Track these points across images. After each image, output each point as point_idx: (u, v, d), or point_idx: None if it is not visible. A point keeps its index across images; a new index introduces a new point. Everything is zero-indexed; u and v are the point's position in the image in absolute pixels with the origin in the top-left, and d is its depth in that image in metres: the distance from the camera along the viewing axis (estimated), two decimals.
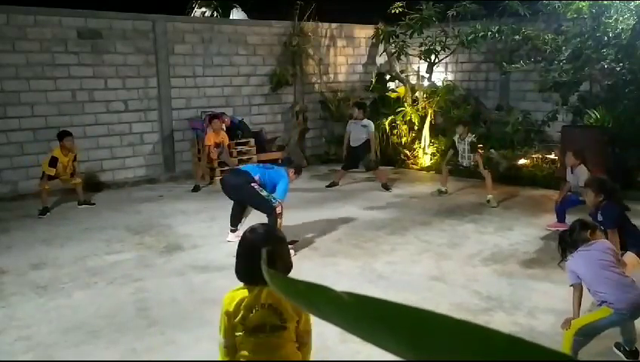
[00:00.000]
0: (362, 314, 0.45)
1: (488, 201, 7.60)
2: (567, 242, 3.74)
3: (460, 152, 8.03)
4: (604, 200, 4.56)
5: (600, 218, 4.51)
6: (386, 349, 0.46)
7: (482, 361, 0.42)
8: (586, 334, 3.42)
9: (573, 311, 3.62)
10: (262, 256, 0.56)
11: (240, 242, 2.40)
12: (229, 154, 9.24)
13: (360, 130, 8.67)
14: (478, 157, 7.84)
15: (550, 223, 6.53)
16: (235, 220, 6.15)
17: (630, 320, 3.48)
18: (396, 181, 9.35)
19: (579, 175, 6.22)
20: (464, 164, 8.05)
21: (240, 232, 6.17)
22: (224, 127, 9.20)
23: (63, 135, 7.58)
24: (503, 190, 8.31)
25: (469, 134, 7.91)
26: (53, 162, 7.43)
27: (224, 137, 9.02)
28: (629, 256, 4.33)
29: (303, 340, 2.36)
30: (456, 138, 8.08)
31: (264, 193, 5.63)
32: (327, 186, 8.97)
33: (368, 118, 8.91)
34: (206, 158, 8.97)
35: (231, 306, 2.29)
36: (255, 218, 6.07)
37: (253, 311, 2.27)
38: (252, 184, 5.63)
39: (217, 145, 8.94)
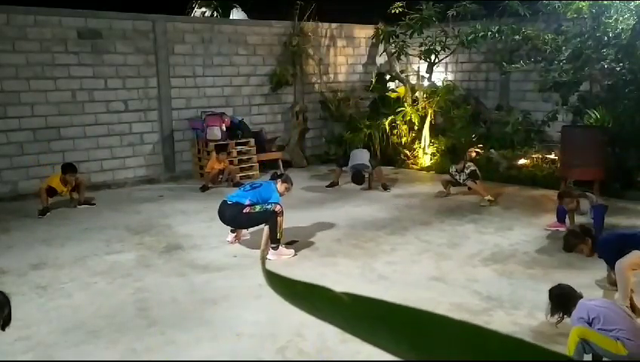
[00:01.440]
0: (361, 315, 0.45)
1: (488, 201, 7.60)
2: (562, 303, 3.61)
3: (456, 180, 8.00)
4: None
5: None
6: (385, 350, 0.46)
7: (481, 361, 0.42)
8: (589, 348, 3.31)
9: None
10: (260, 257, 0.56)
11: None
12: (235, 177, 9.22)
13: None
14: (475, 186, 7.75)
15: (550, 223, 6.53)
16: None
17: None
18: (396, 181, 9.35)
19: (585, 208, 6.04)
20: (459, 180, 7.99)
21: (241, 233, 6.20)
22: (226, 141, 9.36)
23: (66, 169, 7.60)
24: (503, 190, 8.31)
25: (468, 164, 7.87)
26: (52, 192, 7.47)
27: (226, 164, 9.10)
28: (636, 254, 4.30)
29: None
30: (452, 170, 8.03)
31: (257, 208, 5.62)
32: (327, 186, 8.96)
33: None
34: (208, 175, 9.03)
35: None
36: None
37: None
38: (244, 211, 5.63)
39: (221, 171, 9.10)
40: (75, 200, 7.83)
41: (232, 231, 6.16)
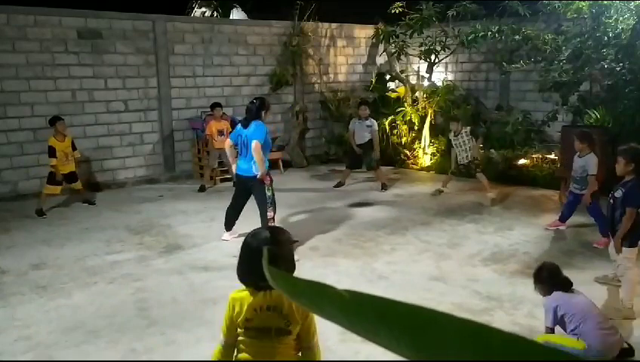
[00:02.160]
0: (363, 312, 0.44)
1: (490, 199, 7.62)
2: (544, 280, 3.67)
3: (457, 148, 7.99)
4: (633, 176, 4.30)
5: (619, 194, 4.30)
6: (386, 347, 0.46)
7: (483, 360, 0.41)
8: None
9: None
10: (263, 255, 0.56)
11: (242, 246, 2.40)
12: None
13: (364, 129, 8.65)
14: (476, 148, 7.85)
15: (550, 223, 6.53)
16: (230, 223, 6.22)
17: (600, 356, 3.46)
18: (396, 181, 9.35)
19: (589, 163, 5.85)
20: (463, 160, 7.96)
21: (234, 231, 6.23)
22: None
23: (54, 120, 7.59)
24: (503, 190, 8.31)
25: (464, 128, 7.92)
26: (52, 152, 7.44)
27: (226, 125, 8.90)
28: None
29: (309, 344, 2.33)
30: (451, 136, 8.07)
31: (269, 193, 5.69)
32: (334, 187, 8.94)
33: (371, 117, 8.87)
34: (209, 156, 8.94)
35: (236, 306, 2.30)
36: (244, 217, 6.08)
37: (258, 311, 2.27)
38: (265, 182, 5.68)
39: (220, 132, 8.80)
40: (77, 193, 7.91)
41: (228, 230, 6.20)
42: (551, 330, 3.59)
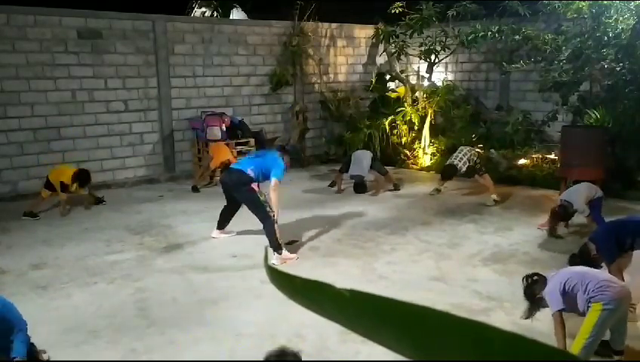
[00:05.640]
0: (363, 311, 0.44)
1: (494, 200, 7.61)
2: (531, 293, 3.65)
3: (455, 154, 7.96)
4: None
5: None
6: (386, 346, 0.46)
7: (483, 359, 0.41)
8: (594, 343, 3.38)
9: (559, 342, 3.48)
10: (264, 255, 0.56)
11: None
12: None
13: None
14: (485, 181, 7.83)
15: (542, 223, 6.51)
16: (222, 224, 6.25)
17: (619, 311, 3.44)
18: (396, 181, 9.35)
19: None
20: (461, 167, 7.84)
21: (225, 231, 6.24)
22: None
23: (85, 181, 7.46)
24: (503, 190, 8.31)
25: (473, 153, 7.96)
26: (63, 188, 7.34)
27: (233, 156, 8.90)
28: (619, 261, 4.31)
29: None
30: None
31: (262, 198, 5.61)
32: (329, 186, 8.94)
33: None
34: (210, 168, 8.93)
35: None
36: (244, 217, 6.09)
37: None
38: (252, 185, 5.63)
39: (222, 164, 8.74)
40: (87, 201, 7.84)
41: (219, 228, 6.25)
42: (560, 314, 3.51)
